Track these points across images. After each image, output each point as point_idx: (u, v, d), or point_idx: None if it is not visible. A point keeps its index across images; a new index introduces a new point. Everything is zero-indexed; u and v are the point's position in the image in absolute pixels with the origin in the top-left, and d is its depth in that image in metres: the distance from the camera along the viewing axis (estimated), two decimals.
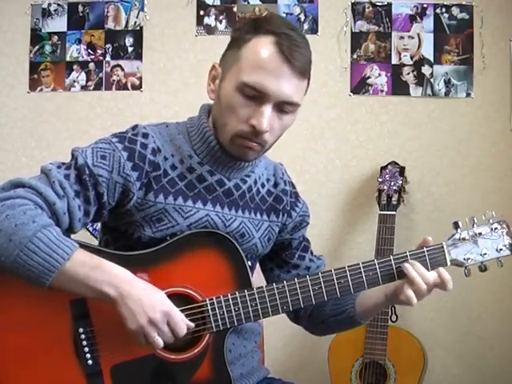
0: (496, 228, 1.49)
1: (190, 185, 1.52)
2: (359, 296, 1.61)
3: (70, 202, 1.40)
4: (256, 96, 1.42)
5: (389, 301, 1.55)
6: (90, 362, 1.41)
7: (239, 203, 1.58)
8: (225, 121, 1.47)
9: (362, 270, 1.47)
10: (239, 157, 1.52)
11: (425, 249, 1.48)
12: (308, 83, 1.50)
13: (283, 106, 1.45)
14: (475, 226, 1.49)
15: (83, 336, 1.41)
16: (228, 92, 1.45)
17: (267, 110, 1.43)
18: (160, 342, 1.36)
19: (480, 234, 1.48)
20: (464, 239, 1.48)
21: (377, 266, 1.47)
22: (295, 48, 1.42)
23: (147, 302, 1.34)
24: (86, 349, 1.41)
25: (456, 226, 1.49)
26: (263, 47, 1.42)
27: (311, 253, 1.74)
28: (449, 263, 1.48)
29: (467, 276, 1.50)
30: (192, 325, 1.41)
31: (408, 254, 1.48)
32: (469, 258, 1.48)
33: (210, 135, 1.53)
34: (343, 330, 1.73)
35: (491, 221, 1.49)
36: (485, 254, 1.48)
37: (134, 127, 1.52)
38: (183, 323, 1.38)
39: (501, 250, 1.49)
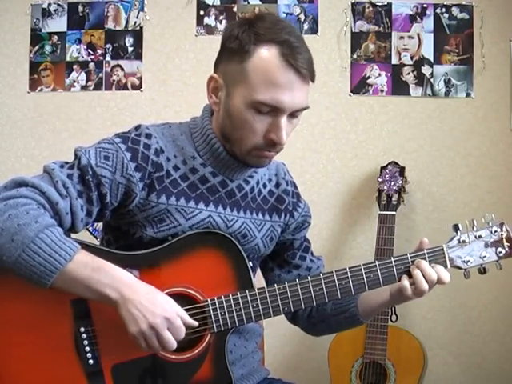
0: (496, 231, 1.50)
1: (193, 186, 1.52)
2: (361, 295, 1.60)
3: (73, 202, 1.40)
4: (271, 110, 1.43)
5: (394, 299, 1.56)
6: (90, 361, 1.41)
7: (241, 204, 1.58)
8: (239, 136, 1.47)
9: (363, 271, 1.47)
10: (255, 165, 1.54)
11: (425, 251, 1.49)
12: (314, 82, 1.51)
13: (295, 113, 1.47)
14: (475, 228, 1.50)
15: (84, 335, 1.41)
16: (239, 108, 1.44)
17: (283, 122, 1.44)
18: (159, 347, 1.36)
19: (480, 236, 1.50)
20: (464, 242, 1.49)
21: (378, 268, 1.48)
22: (299, 55, 1.42)
23: (148, 306, 1.34)
24: (87, 348, 1.41)
25: (456, 228, 1.50)
26: (270, 61, 1.41)
27: (311, 253, 1.74)
28: (449, 265, 1.49)
29: (467, 278, 1.51)
30: (195, 323, 1.41)
31: (408, 255, 1.49)
32: (468, 261, 1.49)
33: (213, 137, 1.53)
34: (343, 329, 1.74)
35: (491, 224, 1.50)
36: (484, 256, 1.49)
37: (137, 127, 1.52)
38: (183, 329, 1.38)
39: (500, 252, 1.50)
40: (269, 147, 1.47)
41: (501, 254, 1.50)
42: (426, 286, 1.46)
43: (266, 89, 1.41)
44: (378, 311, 1.67)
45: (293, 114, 1.46)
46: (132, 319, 1.34)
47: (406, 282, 1.47)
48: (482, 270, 1.50)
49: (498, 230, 1.50)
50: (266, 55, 1.42)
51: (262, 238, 1.61)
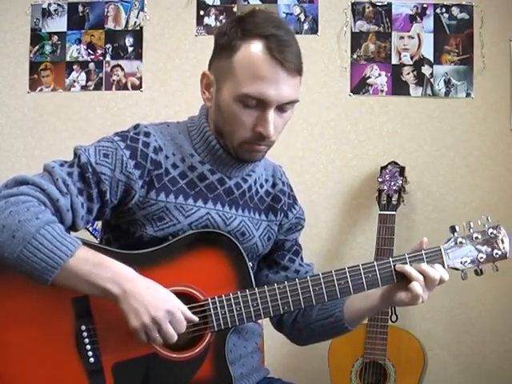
0: (492, 233, 1.51)
1: (191, 183, 1.53)
2: (347, 301, 1.60)
3: (73, 200, 1.41)
4: (257, 104, 1.44)
5: (385, 302, 1.55)
6: (91, 359, 1.41)
7: (239, 202, 1.58)
8: (229, 130, 1.49)
9: (362, 271, 1.47)
10: (248, 160, 1.54)
11: (423, 251, 1.49)
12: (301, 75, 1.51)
13: (284, 107, 1.47)
14: (471, 230, 1.51)
15: (85, 334, 1.41)
16: (228, 102, 1.46)
17: (270, 115, 1.45)
18: (161, 340, 1.36)
19: (476, 238, 1.51)
20: (461, 243, 1.50)
21: (376, 268, 1.48)
22: (285, 48, 1.43)
23: (150, 300, 1.34)
24: (88, 346, 1.41)
25: (453, 230, 1.51)
26: (255, 55, 1.43)
27: (301, 258, 1.74)
28: (446, 266, 1.50)
29: (464, 279, 1.52)
30: (196, 319, 1.41)
31: (407, 256, 1.49)
32: (465, 262, 1.51)
33: (210, 135, 1.54)
34: (328, 337, 1.71)
35: (487, 225, 1.52)
36: (481, 258, 1.51)
37: (136, 126, 1.53)
38: (184, 323, 1.38)
39: (496, 254, 1.51)
40: (257, 140, 1.48)
41: (497, 256, 1.51)
42: (436, 283, 1.46)
43: (251, 82, 1.43)
44: (366, 317, 1.66)
45: (282, 108, 1.47)
46: (134, 313, 1.34)
47: (412, 284, 1.45)
48: (479, 272, 1.52)
49: (494, 231, 1.51)
50: (251, 49, 1.44)
51: (259, 236, 1.62)
